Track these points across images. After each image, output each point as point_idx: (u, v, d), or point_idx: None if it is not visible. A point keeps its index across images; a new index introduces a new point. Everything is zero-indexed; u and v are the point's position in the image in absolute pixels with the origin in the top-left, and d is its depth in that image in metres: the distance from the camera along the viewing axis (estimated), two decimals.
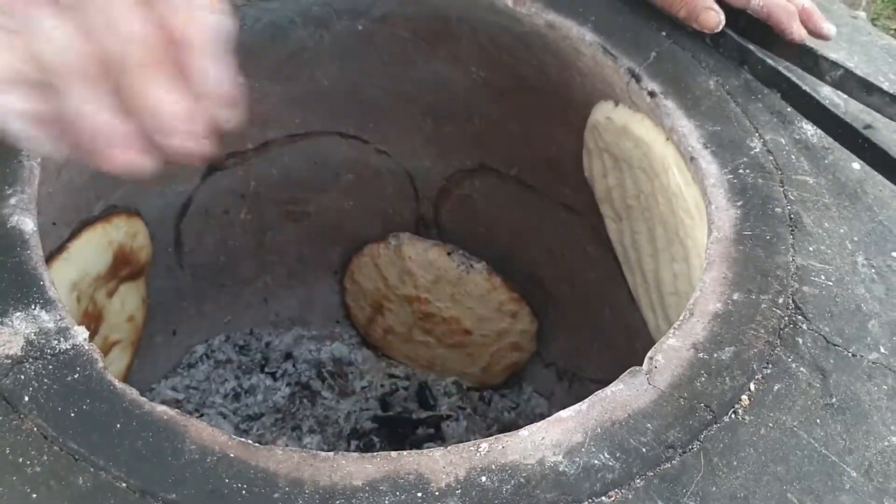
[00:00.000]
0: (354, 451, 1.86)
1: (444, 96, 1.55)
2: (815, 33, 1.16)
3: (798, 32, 1.14)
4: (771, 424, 0.82)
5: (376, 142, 1.68)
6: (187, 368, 1.97)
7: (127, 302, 1.57)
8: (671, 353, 0.86)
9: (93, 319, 1.47)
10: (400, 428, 1.92)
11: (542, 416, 1.87)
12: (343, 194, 1.80)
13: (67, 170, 1.24)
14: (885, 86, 1.12)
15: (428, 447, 1.76)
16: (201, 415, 1.88)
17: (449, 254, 1.76)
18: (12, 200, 0.89)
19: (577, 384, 1.90)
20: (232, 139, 1.57)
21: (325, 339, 2.09)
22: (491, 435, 1.89)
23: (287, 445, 1.83)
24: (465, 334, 1.88)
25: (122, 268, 1.50)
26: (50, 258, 1.32)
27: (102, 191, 1.40)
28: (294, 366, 2.01)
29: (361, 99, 1.57)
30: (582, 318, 1.79)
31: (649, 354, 0.86)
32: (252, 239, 1.86)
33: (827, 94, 1.18)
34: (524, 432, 0.80)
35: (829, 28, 1.16)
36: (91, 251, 1.40)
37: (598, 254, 1.64)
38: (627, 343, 1.67)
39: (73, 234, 1.36)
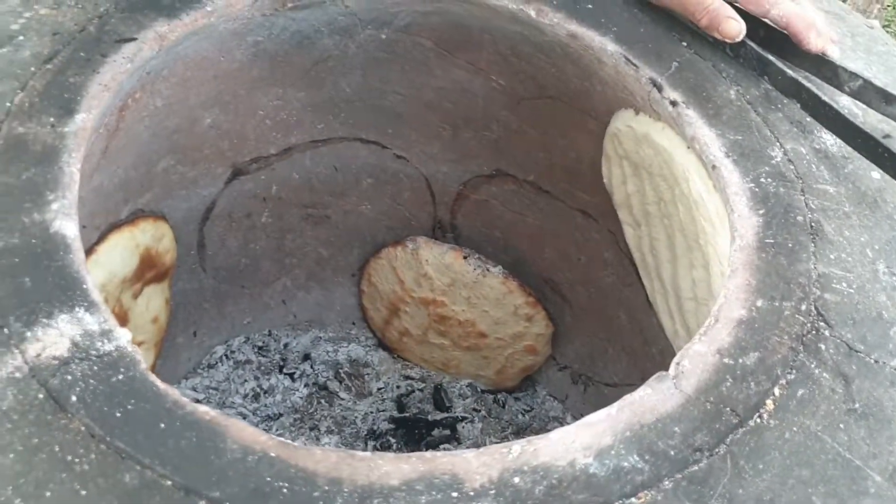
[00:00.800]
0: (373, 451, 1.89)
1: (463, 104, 1.57)
2: (819, 52, 1.19)
3: (815, 43, 1.16)
4: (795, 428, 0.84)
5: (395, 147, 1.70)
6: (207, 369, 1.99)
7: (152, 303, 1.59)
8: (697, 358, 0.88)
9: (119, 321, 1.47)
10: (416, 429, 1.94)
11: (557, 420, 1.91)
12: (362, 198, 1.82)
13: (98, 174, 1.27)
14: None
15: (444, 448, 1.81)
16: None
17: (465, 257, 1.79)
18: (54, 206, 0.92)
19: (592, 388, 1.92)
20: (255, 144, 1.59)
21: (341, 341, 2.11)
22: (506, 437, 1.94)
23: (305, 446, 1.85)
24: (480, 337, 1.91)
25: (147, 270, 1.53)
26: None
27: (130, 195, 1.43)
28: (312, 367, 2.04)
29: (382, 106, 1.59)
30: (598, 322, 1.82)
31: (675, 360, 0.88)
32: (273, 242, 1.88)
33: (846, 105, 1.20)
34: (554, 435, 0.82)
35: (833, 49, 1.19)
36: (118, 254, 1.42)
37: (615, 259, 1.66)
38: (644, 348, 1.70)
39: (102, 238, 1.39)
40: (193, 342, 1.95)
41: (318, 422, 1.93)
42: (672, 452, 0.81)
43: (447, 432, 1.93)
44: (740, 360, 0.88)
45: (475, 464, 0.79)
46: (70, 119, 1.00)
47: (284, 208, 1.81)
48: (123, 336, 0.83)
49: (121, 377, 0.80)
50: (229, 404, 1.93)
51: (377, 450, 1.88)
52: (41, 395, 0.77)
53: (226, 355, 2.01)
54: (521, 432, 1.97)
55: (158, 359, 1.70)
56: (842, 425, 0.85)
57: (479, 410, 2.00)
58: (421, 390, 2.04)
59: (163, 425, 0.77)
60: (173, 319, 1.76)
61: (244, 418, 1.90)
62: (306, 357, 2.05)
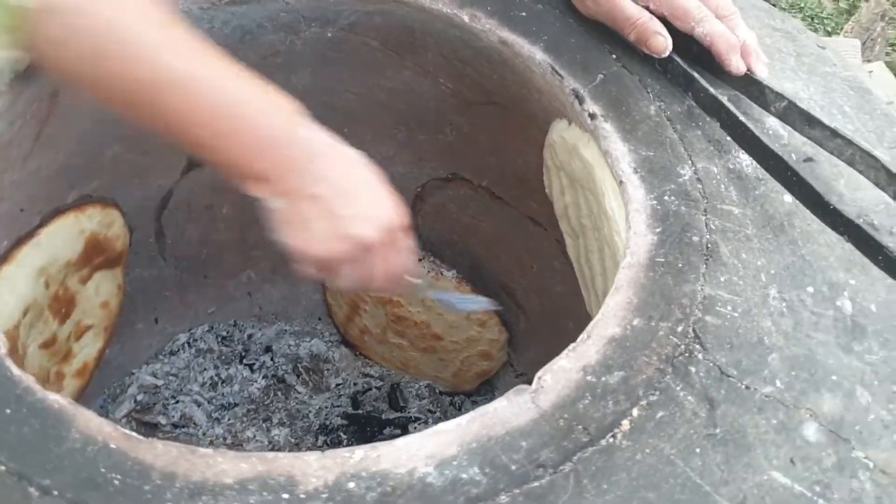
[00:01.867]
0: (322, 446, 1.90)
1: (415, 105, 1.57)
2: (749, 71, 1.17)
3: (737, 65, 1.15)
4: (648, 450, 0.84)
5: (351, 146, 1.70)
6: (169, 355, 2.02)
7: (102, 289, 1.61)
8: (560, 374, 0.88)
9: (64, 304, 1.52)
10: (368, 426, 1.95)
11: None
12: None
13: (34, 160, 1.29)
14: (826, 120, 1.11)
15: None
16: (177, 401, 1.92)
17: (420, 260, 1.79)
18: None
19: None
20: None
21: (305, 335, 2.12)
22: None
23: (255, 437, 1.87)
24: (435, 339, 1.91)
25: (95, 256, 1.54)
26: (19, 243, 1.37)
27: (76, 181, 1.44)
28: (272, 359, 2.05)
29: (335, 104, 1.60)
30: (550, 330, 1.81)
31: (538, 374, 0.88)
32: (235, 233, 1.90)
33: (772, 126, 1.18)
34: (401, 441, 0.82)
35: (761, 69, 1.17)
36: (62, 238, 1.44)
37: (564, 268, 1.65)
38: None
39: (44, 222, 1.41)
40: (155, 329, 1.97)
41: (271, 413, 1.95)
42: (513, 467, 0.80)
43: (398, 432, 1.93)
44: (603, 379, 0.88)
45: (315, 466, 0.79)
46: None
47: (246, 200, 1.81)
48: None
49: None
50: (186, 391, 1.95)
51: (327, 444, 1.90)
52: None
53: (188, 343, 2.03)
54: None
55: (116, 343, 1.73)
56: (698, 450, 0.84)
57: (434, 412, 2.00)
58: (378, 388, 2.05)
59: (8, 411, 0.79)
60: (133, 306, 1.78)
61: (199, 406, 1.92)
62: (268, 349, 2.07)
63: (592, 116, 1.15)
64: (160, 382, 1.96)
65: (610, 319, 0.93)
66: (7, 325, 1.30)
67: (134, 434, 0.79)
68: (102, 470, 0.76)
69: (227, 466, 0.78)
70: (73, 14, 0.88)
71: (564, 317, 1.74)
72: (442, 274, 1.78)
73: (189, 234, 1.82)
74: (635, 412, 0.86)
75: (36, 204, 1.36)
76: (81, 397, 1.65)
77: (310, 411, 1.96)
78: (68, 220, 1.46)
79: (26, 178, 1.29)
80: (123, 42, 0.90)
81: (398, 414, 1.97)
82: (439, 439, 0.82)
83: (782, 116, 1.16)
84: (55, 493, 0.74)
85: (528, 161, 1.52)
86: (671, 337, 0.91)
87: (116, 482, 0.75)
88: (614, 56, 1.23)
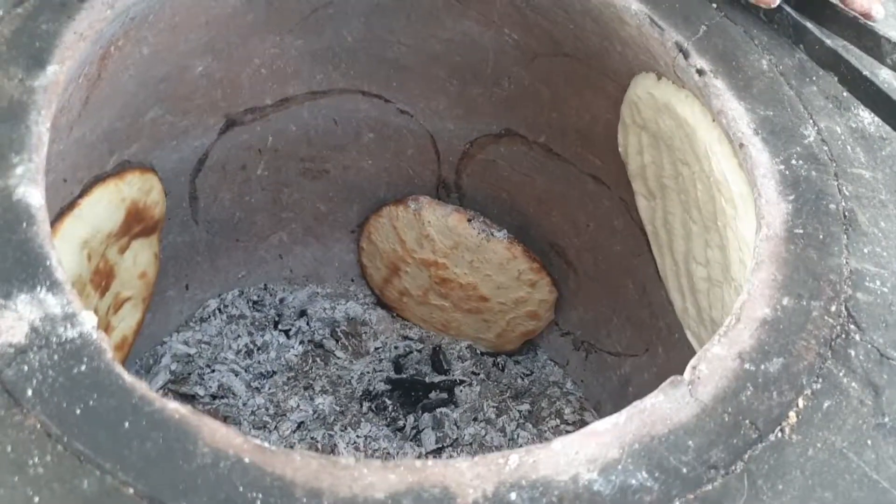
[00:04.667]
0: (367, 412, 1.84)
1: (473, 58, 1.47)
2: (863, 12, 1.08)
3: (860, 3, 1.06)
4: (819, 445, 0.77)
5: (399, 101, 1.61)
6: (199, 322, 1.93)
7: (139, 258, 1.52)
8: (716, 362, 0.81)
9: (104, 276, 1.43)
10: (413, 391, 1.88)
11: (557, 385, 1.84)
12: (363, 153, 1.74)
13: (79, 126, 1.18)
14: None
15: (441, 412, 1.74)
16: (213, 370, 1.84)
17: (469, 220, 1.71)
18: (19, 170, 0.84)
19: (594, 356, 1.86)
20: (251, 94, 1.50)
21: (339, 298, 2.04)
22: (504, 401, 1.88)
23: (299, 406, 1.80)
24: (481, 301, 1.84)
25: (134, 224, 1.45)
26: (61, 215, 1.27)
27: (116, 146, 1.34)
28: (308, 324, 1.97)
29: (386, 57, 1.50)
30: (603, 290, 1.74)
31: (692, 363, 0.81)
32: (269, 195, 1.80)
33: (886, 78, 1.10)
34: (557, 445, 0.75)
35: (878, 10, 1.08)
36: (103, 208, 1.35)
37: (626, 228, 1.58)
38: (650, 320, 1.62)
39: (85, 191, 1.31)
40: (185, 295, 1.88)
41: (312, 381, 1.87)
42: (685, 469, 0.74)
43: (444, 395, 1.87)
44: (762, 367, 0.81)
45: (468, 475, 0.72)
46: (41, 72, 0.91)
47: (281, 161, 1.72)
48: (88, 321, 0.76)
49: (83, 368, 0.72)
50: (221, 360, 1.87)
51: (372, 412, 1.83)
52: None
53: (219, 309, 1.94)
54: (519, 396, 1.92)
55: (148, 312, 1.64)
56: (869, 441, 0.78)
57: (478, 374, 1.94)
58: (419, 351, 1.98)
59: (127, 424, 0.70)
60: (164, 272, 1.69)
61: (236, 375, 1.84)
62: (302, 313, 1.99)
63: (700, 72, 1.06)
64: (193, 351, 1.88)
65: (757, 299, 0.85)
66: None
67: (267, 445, 0.72)
68: (241, 489, 0.68)
69: (374, 479, 0.71)
70: None
71: (622, 277, 1.67)
72: (493, 234, 1.70)
73: (222, 197, 1.73)
74: (801, 402, 0.79)
75: (77, 172, 1.27)
76: None
77: (352, 377, 1.89)
78: (109, 188, 1.36)
79: (71, 147, 1.19)
80: None
81: (442, 377, 1.90)
82: (598, 440, 0.75)
83: None
84: None
85: (596, 117, 1.44)
86: (826, 317, 0.85)
87: (259, 502, 0.68)
88: (715, 5, 1.14)
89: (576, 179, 1.60)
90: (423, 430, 1.79)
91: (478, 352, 1.99)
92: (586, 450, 0.74)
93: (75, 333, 0.75)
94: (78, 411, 0.70)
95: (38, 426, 0.69)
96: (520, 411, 1.87)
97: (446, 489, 0.71)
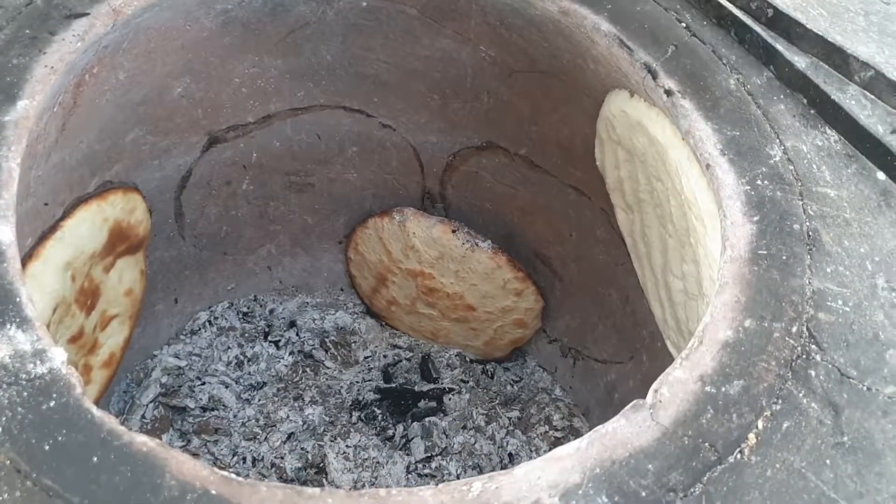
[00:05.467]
0: (357, 422, 1.85)
1: (451, 73, 1.49)
2: None
3: None
4: (778, 465, 0.79)
5: (381, 116, 1.62)
6: (190, 335, 1.95)
7: (125, 276, 1.54)
8: (677, 385, 0.82)
9: (89, 295, 1.44)
10: (402, 400, 1.90)
11: (545, 391, 1.85)
12: (347, 166, 1.75)
13: (58, 151, 1.20)
14: None
15: (430, 421, 1.76)
16: (203, 383, 1.86)
17: (454, 231, 1.72)
18: None
19: (581, 362, 1.88)
20: (232, 112, 1.51)
21: (328, 308, 2.06)
22: (493, 408, 1.89)
23: (289, 417, 1.82)
24: (468, 310, 1.85)
25: (119, 243, 1.47)
26: (43, 238, 1.29)
27: (97, 168, 1.36)
28: (297, 334, 1.99)
29: (366, 74, 1.51)
30: (588, 299, 1.76)
31: (654, 387, 0.82)
32: (255, 209, 1.82)
33: (854, 93, 1.12)
34: (520, 471, 0.76)
35: None
36: (86, 229, 1.36)
37: (608, 237, 1.60)
38: (634, 329, 1.64)
39: (67, 213, 1.33)
40: (175, 309, 1.90)
41: (302, 391, 1.89)
42: (644, 493, 0.75)
43: (433, 404, 1.88)
44: (723, 389, 0.82)
45: (432, 503, 0.74)
46: (11, 107, 0.93)
47: (266, 175, 1.74)
48: (58, 356, 0.77)
49: (52, 404, 0.74)
50: (211, 372, 1.88)
51: (362, 421, 1.84)
52: None
53: (209, 321, 1.96)
54: (508, 403, 1.93)
55: (138, 326, 1.66)
56: (828, 461, 0.80)
57: (467, 381, 1.95)
58: (408, 360, 1.99)
59: (96, 459, 0.72)
60: (153, 287, 1.71)
61: (227, 387, 1.86)
62: (292, 324, 2.00)
63: (669, 93, 1.07)
64: (183, 363, 1.89)
65: (720, 322, 0.87)
66: None
67: (233, 476, 0.73)
68: None
69: None
70: None
71: (605, 285, 1.69)
72: (477, 245, 1.72)
73: (208, 212, 1.74)
74: (760, 424, 0.81)
75: (59, 195, 1.28)
76: (108, 387, 1.59)
77: (341, 387, 1.91)
78: (91, 210, 1.37)
79: (50, 171, 1.21)
80: None
81: (431, 385, 1.92)
82: (560, 465, 0.76)
83: (868, 86, 1.10)
84: None
85: (575, 130, 1.45)
86: (787, 338, 0.86)
87: None
88: (684, 24, 1.15)
89: (557, 191, 1.61)
90: (412, 439, 1.81)
91: (467, 359, 2.01)
92: (548, 475, 0.76)
93: (45, 369, 0.76)
94: (47, 447, 0.72)
95: (8, 462, 0.71)
96: (509, 418, 1.89)
97: None
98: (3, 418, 0.73)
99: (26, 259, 1.25)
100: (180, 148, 1.52)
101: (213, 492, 0.72)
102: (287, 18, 1.34)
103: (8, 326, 0.78)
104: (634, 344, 1.66)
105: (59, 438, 0.73)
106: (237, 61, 1.40)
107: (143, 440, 0.74)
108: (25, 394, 0.74)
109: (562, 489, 0.75)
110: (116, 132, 1.34)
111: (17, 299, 0.80)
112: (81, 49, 1.01)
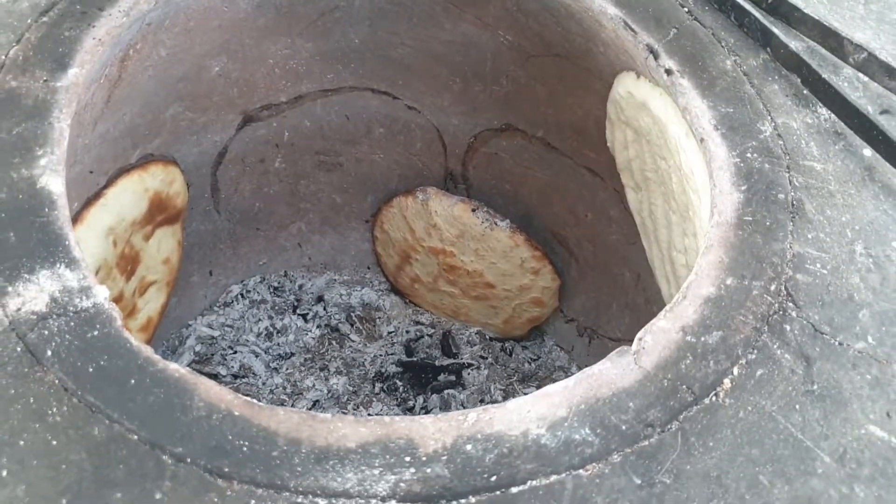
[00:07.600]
0: (379, 393, 1.94)
1: (472, 57, 1.57)
2: None
3: None
4: (750, 408, 0.86)
5: (406, 98, 1.71)
6: (223, 307, 2.05)
7: (163, 245, 1.64)
8: (660, 334, 0.90)
9: (130, 261, 1.54)
10: (423, 373, 1.98)
11: (562, 369, 1.94)
12: (374, 147, 1.84)
13: (103, 122, 1.30)
14: None
15: (449, 393, 1.84)
16: (235, 352, 1.96)
17: (473, 210, 1.80)
18: (42, 161, 0.95)
19: (597, 341, 1.95)
20: (266, 92, 1.61)
21: (355, 284, 2.15)
22: (511, 384, 1.97)
23: (314, 386, 1.91)
24: (488, 287, 1.93)
25: (158, 213, 1.57)
26: (87, 204, 1.39)
27: (139, 140, 1.46)
28: (325, 308, 2.08)
29: (392, 57, 1.60)
30: (603, 278, 1.83)
31: (638, 335, 0.90)
32: (287, 186, 1.91)
33: (848, 75, 1.18)
34: (511, 404, 0.84)
35: None
36: (128, 197, 1.46)
37: (621, 217, 1.67)
38: (646, 306, 1.71)
39: (110, 182, 1.43)
40: (209, 281, 2.00)
41: (328, 362, 1.98)
42: (624, 427, 0.83)
43: (452, 378, 1.97)
44: (703, 339, 0.90)
45: (431, 429, 0.82)
46: (63, 74, 1.02)
47: (297, 154, 1.83)
48: (101, 293, 0.86)
49: (96, 333, 0.84)
50: (243, 342, 1.98)
51: (384, 392, 1.93)
52: (19, 349, 0.81)
53: (241, 294, 2.06)
54: (525, 380, 2.01)
55: (173, 296, 1.76)
56: (797, 406, 0.87)
57: (486, 358, 2.04)
58: (430, 336, 2.08)
59: (133, 381, 0.81)
60: (188, 259, 1.81)
61: (256, 356, 1.96)
62: (320, 299, 2.10)
63: (669, 72, 1.15)
64: (216, 333, 1.99)
65: (704, 279, 0.94)
66: None
67: (255, 401, 0.82)
68: (230, 437, 0.79)
69: (347, 431, 0.81)
70: None
71: (619, 265, 1.76)
72: (496, 223, 1.80)
73: (242, 188, 1.84)
74: (735, 371, 0.88)
75: (103, 165, 1.38)
76: None
77: (365, 359, 2.00)
78: (133, 179, 1.47)
79: (95, 141, 1.30)
80: None
81: (451, 360, 2.00)
82: (548, 401, 0.84)
83: (861, 68, 1.16)
84: (188, 460, 0.77)
85: (588, 112, 1.52)
86: (765, 296, 0.93)
87: (245, 449, 0.78)
88: (686, 9, 1.22)
89: (573, 171, 1.69)
90: (431, 410, 1.89)
91: (487, 337, 2.09)
92: (537, 409, 0.84)
93: (89, 304, 0.86)
94: (90, 369, 0.81)
95: (57, 382, 0.80)
96: (525, 394, 1.96)
97: (411, 441, 0.81)
98: (53, 343, 0.82)
99: (72, 222, 1.35)
100: (217, 125, 1.62)
101: (237, 413, 0.81)
102: (317, 2, 1.43)
103: (58, 265, 0.88)
104: (647, 321, 1.72)
105: (102, 363, 0.82)
106: (271, 42, 1.49)
107: (175, 367, 0.83)
108: (73, 324, 0.84)
109: (549, 421, 0.83)
110: (157, 107, 1.44)
111: (67, 242, 0.90)
112: (126, 24, 1.11)
